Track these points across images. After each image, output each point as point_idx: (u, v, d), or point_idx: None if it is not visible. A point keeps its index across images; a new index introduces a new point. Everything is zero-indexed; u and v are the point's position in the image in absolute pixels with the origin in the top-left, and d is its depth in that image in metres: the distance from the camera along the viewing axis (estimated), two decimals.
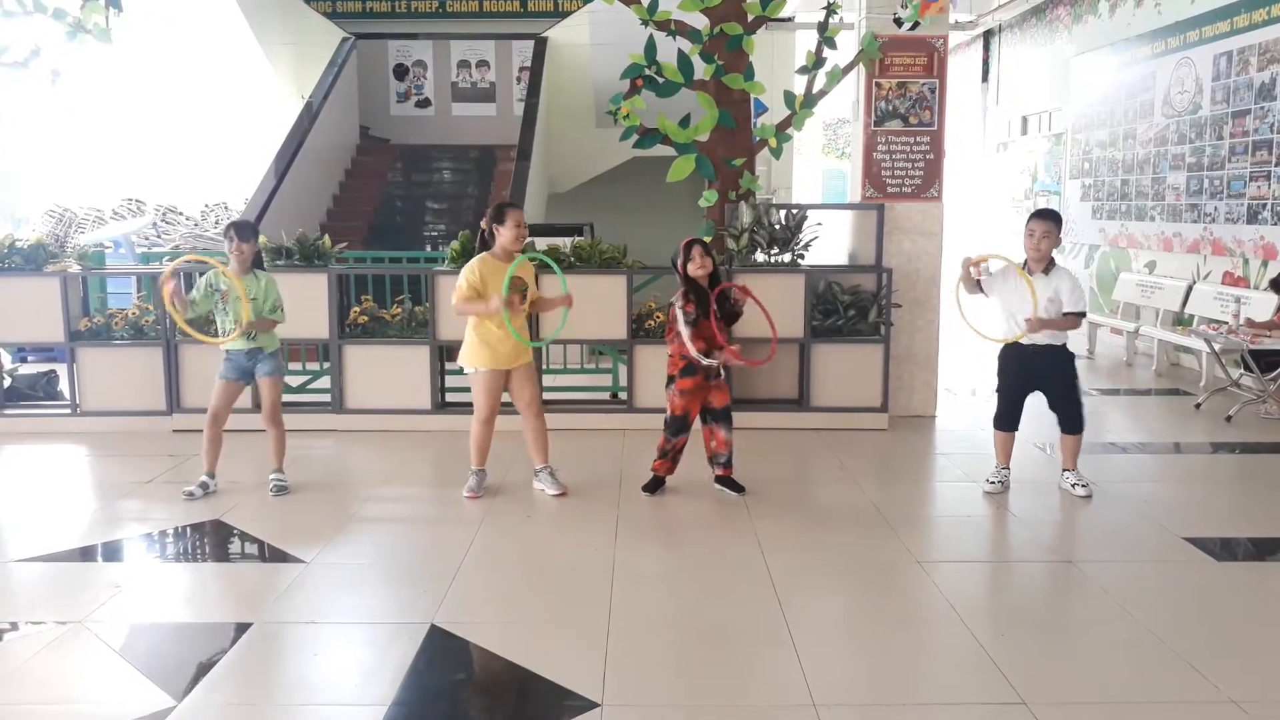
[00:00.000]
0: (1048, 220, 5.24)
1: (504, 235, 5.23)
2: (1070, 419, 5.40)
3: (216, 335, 5.39)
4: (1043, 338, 5.24)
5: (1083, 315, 5.30)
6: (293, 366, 7.72)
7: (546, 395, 7.27)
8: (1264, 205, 8.31)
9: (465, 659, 3.55)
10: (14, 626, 3.83)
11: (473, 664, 3.52)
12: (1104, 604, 4.00)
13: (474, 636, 3.67)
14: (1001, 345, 5.41)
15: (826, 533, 4.92)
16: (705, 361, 5.19)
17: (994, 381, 5.57)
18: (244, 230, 5.34)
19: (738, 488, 5.45)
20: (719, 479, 5.49)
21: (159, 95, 15.41)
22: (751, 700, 3.22)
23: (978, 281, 5.25)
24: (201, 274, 5.50)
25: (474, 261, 5.25)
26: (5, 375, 7.53)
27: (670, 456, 5.46)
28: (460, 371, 7.44)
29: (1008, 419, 5.49)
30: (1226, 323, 7.76)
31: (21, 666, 3.46)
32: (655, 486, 5.50)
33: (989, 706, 3.17)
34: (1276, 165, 8.16)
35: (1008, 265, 5.34)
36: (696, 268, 5.21)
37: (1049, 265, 5.26)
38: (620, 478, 5.80)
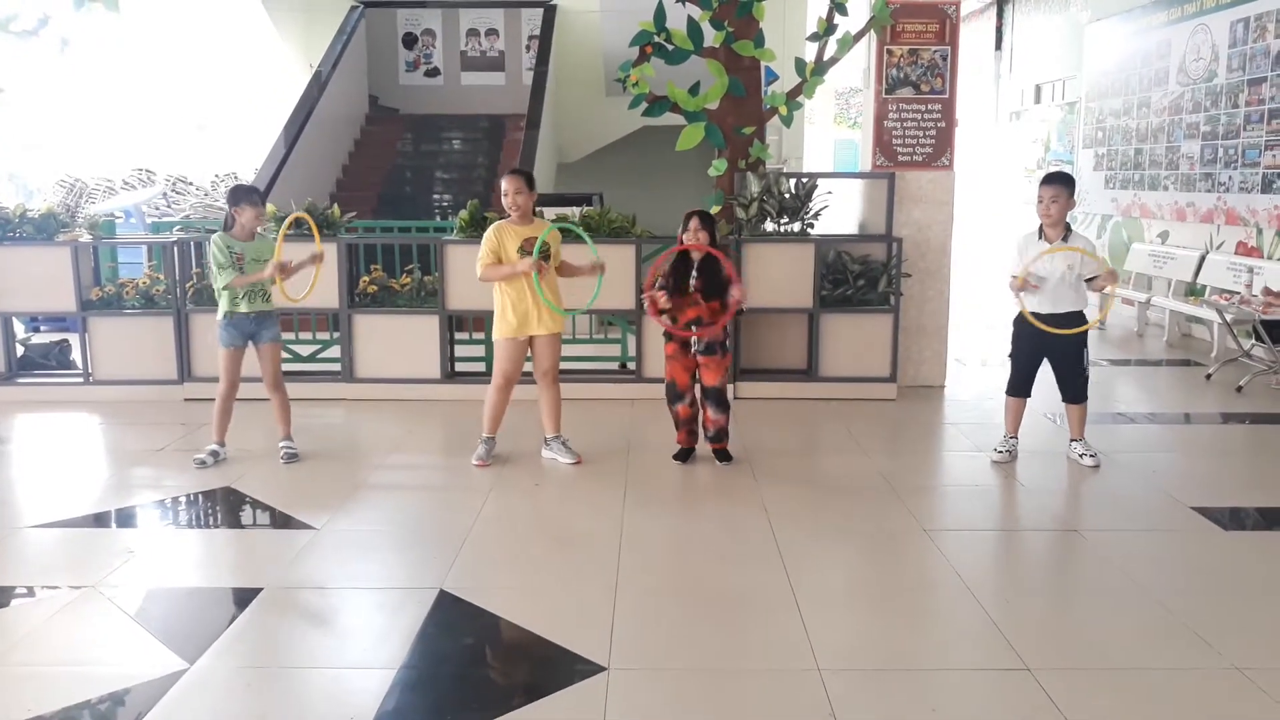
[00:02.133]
0: (1056, 184, 5.20)
1: (505, 201, 5.27)
2: (1075, 389, 5.38)
3: (234, 302, 5.35)
4: (1065, 304, 5.22)
5: (1113, 272, 5.29)
6: (303, 335, 7.75)
7: None
8: (1279, 175, 8.23)
9: (474, 623, 3.58)
10: (29, 591, 3.88)
11: (481, 628, 3.56)
12: (1110, 572, 4.01)
13: (482, 601, 3.71)
14: (1018, 314, 5.36)
15: (834, 501, 4.93)
16: (655, 316, 5.19)
17: (1006, 350, 5.55)
18: (238, 194, 5.36)
19: (726, 457, 5.49)
20: (713, 450, 5.53)
21: (168, 64, 15.37)
22: (757, 664, 3.25)
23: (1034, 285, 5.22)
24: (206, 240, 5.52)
25: (491, 228, 5.29)
26: (18, 344, 7.58)
27: (681, 426, 5.48)
28: (469, 340, 7.51)
29: (1020, 385, 5.48)
30: (1239, 293, 7.71)
31: (36, 630, 3.51)
32: (683, 456, 5.53)
33: (993, 672, 3.19)
34: None
35: (1025, 238, 5.32)
36: (689, 238, 5.22)
37: (1066, 232, 5.23)
38: (628, 446, 5.82)
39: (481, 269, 5.26)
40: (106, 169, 13.60)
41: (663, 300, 5.17)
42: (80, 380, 7.19)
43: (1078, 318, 5.27)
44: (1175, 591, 3.79)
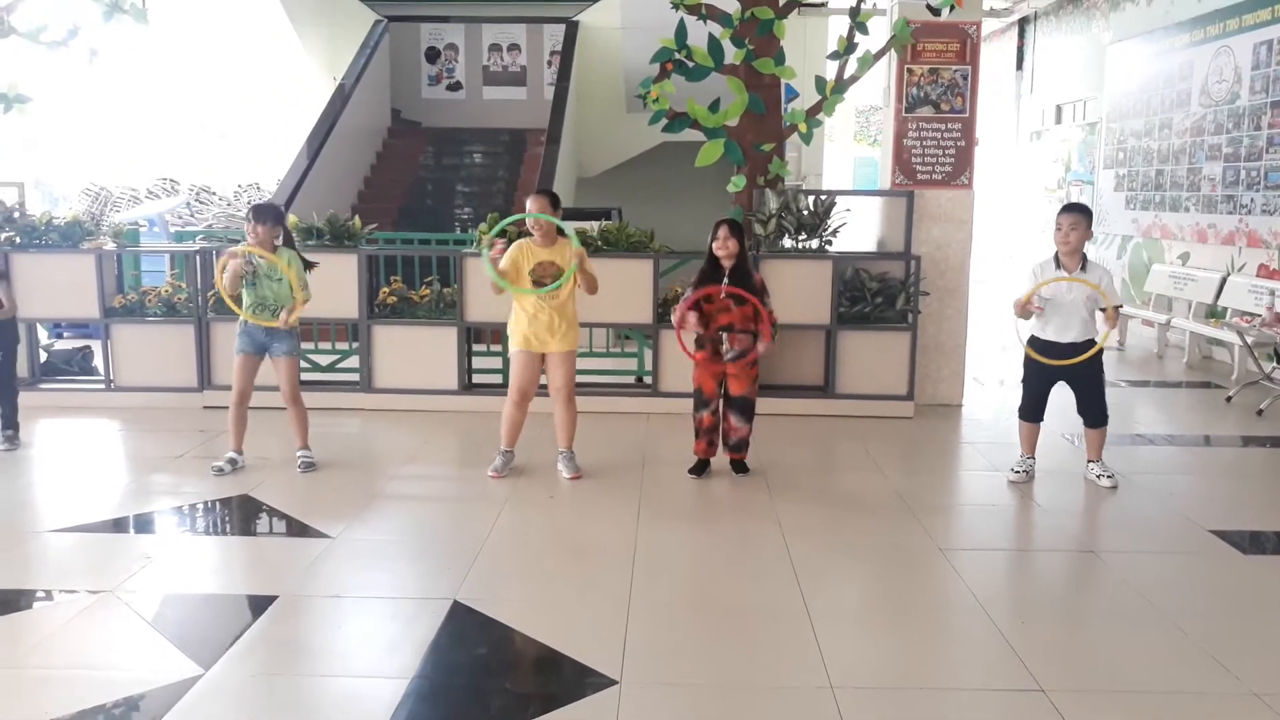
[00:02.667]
0: (1075, 212, 5.20)
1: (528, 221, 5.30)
2: (1095, 414, 5.36)
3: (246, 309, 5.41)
4: (1074, 333, 5.20)
5: (1119, 307, 5.25)
6: (322, 345, 7.81)
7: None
8: None
9: (487, 634, 3.59)
10: (48, 595, 3.92)
11: (494, 639, 3.56)
12: (1126, 595, 3.98)
13: (496, 613, 3.72)
14: (1030, 338, 5.36)
15: (849, 518, 4.92)
16: (686, 330, 5.24)
17: (1020, 372, 5.53)
18: (260, 213, 5.38)
19: (743, 469, 5.52)
20: (731, 460, 5.54)
21: (194, 76, 15.55)
22: (769, 681, 3.24)
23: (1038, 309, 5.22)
24: (227, 251, 5.56)
25: (516, 243, 5.33)
26: (42, 350, 7.67)
27: (702, 435, 5.49)
28: (486, 352, 7.54)
29: (1032, 410, 5.46)
30: (1260, 315, 7.65)
31: (54, 633, 3.54)
32: (699, 469, 5.53)
33: (1007, 693, 3.17)
34: None
35: (1040, 266, 5.31)
36: (718, 246, 5.24)
37: (1083, 262, 5.21)
38: (644, 460, 5.83)
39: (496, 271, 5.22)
40: (131, 178, 13.75)
41: (693, 323, 5.20)
42: (102, 386, 7.26)
43: (1088, 347, 5.23)
44: (1192, 615, 3.76)
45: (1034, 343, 5.34)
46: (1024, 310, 5.20)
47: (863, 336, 7.01)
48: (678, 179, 12.70)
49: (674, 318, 5.32)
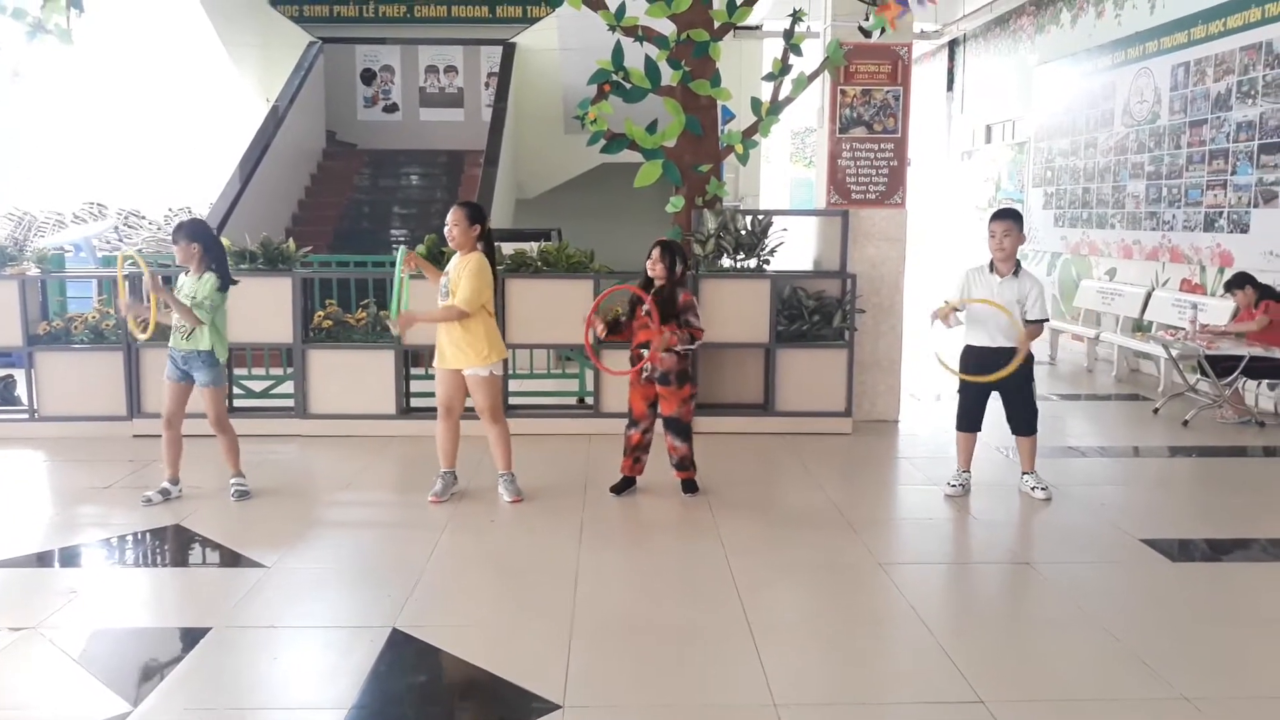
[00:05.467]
0: (1007, 219, 5.31)
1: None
2: (1023, 421, 5.46)
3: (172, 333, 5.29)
4: (1004, 339, 5.29)
5: (1045, 321, 5.36)
6: (255, 371, 7.66)
7: (514, 400, 7.29)
8: (1220, 213, 8.46)
9: (427, 662, 3.53)
10: None
11: (434, 667, 3.51)
12: (1061, 604, 4.05)
13: (436, 639, 3.66)
14: (964, 348, 5.46)
15: (789, 535, 4.94)
16: (586, 335, 5.31)
17: (955, 385, 5.62)
18: (176, 231, 5.26)
19: (691, 488, 5.52)
20: (680, 480, 5.54)
21: (122, 97, 15.23)
22: (713, 700, 3.24)
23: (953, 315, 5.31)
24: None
25: (483, 263, 5.21)
26: None
27: (628, 453, 5.49)
28: (425, 376, 7.46)
29: (969, 419, 5.54)
30: (1184, 329, 7.88)
31: None
32: (621, 487, 5.53)
33: (948, 705, 3.20)
34: (1232, 174, 8.32)
35: (975, 271, 5.40)
36: (650, 266, 5.28)
37: (1016, 268, 5.33)
38: (585, 482, 5.80)
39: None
40: (56, 202, 13.40)
41: (600, 330, 5.23)
42: (26, 416, 7.04)
43: (1011, 353, 5.29)
44: (1125, 622, 3.83)
45: (968, 352, 5.42)
46: (946, 320, 5.28)
47: (801, 354, 7.07)
48: (617, 200, 12.73)
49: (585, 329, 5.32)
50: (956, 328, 5.39)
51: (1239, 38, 8.22)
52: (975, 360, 5.39)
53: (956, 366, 5.46)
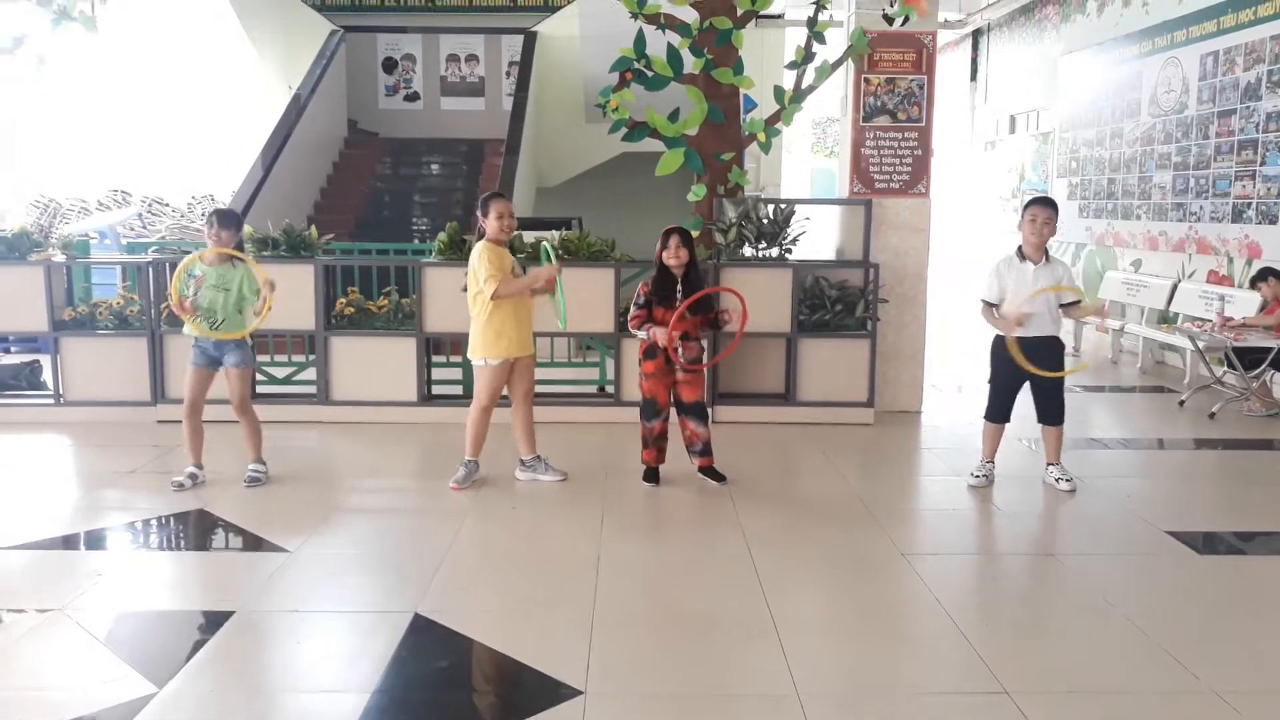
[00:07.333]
0: (1049, 207, 5.28)
1: (490, 225, 5.23)
2: (1051, 410, 5.41)
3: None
4: (1040, 329, 5.25)
5: (1103, 305, 5.33)
6: (278, 358, 7.69)
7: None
8: (1249, 204, 8.36)
9: (449, 647, 3.54)
10: None
11: (456, 651, 3.52)
12: (1086, 596, 4.02)
13: (458, 625, 3.67)
14: (1003, 339, 5.39)
15: (811, 525, 4.93)
16: (639, 334, 5.28)
17: (984, 375, 5.58)
18: (225, 219, 5.30)
19: (718, 476, 5.48)
20: (700, 468, 5.52)
21: (145, 85, 15.30)
22: (735, 690, 3.23)
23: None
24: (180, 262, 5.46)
25: (481, 247, 5.23)
26: None
27: (651, 444, 5.48)
28: (446, 363, 7.47)
29: (1001, 410, 5.49)
30: (1211, 321, 7.80)
31: (1, 654, 3.44)
32: (650, 477, 5.52)
33: (972, 696, 3.18)
34: (1261, 165, 8.21)
35: (1004, 263, 5.35)
36: (669, 256, 5.25)
37: (1046, 254, 5.29)
38: (605, 470, 5.80)
39: (497, 285, 5.13)
40: (82, 189, 13.50)
41: (661, 337, 5.20)
42: (51, 401, 7.10)
43: (1053, 342, 5.30)
44: (1151, 615, 3.80)
45: (1000, 337, 5.37)
46: (1022, 323, 5.19)
47: (823, 344, 7.04)
48: (638, 188, 12.72)
49: (653, 334, 5.25)
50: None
51: (1270, 26, 8.10)
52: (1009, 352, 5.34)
53: (995, 356, 5.41)
